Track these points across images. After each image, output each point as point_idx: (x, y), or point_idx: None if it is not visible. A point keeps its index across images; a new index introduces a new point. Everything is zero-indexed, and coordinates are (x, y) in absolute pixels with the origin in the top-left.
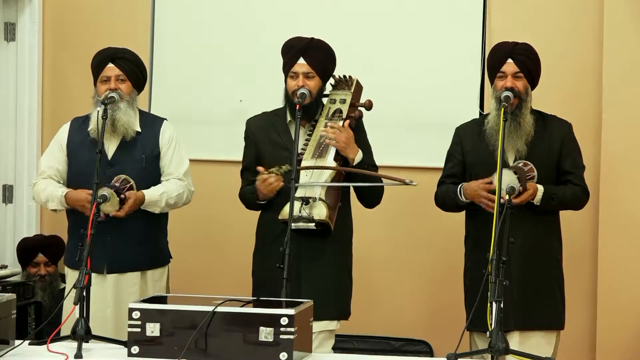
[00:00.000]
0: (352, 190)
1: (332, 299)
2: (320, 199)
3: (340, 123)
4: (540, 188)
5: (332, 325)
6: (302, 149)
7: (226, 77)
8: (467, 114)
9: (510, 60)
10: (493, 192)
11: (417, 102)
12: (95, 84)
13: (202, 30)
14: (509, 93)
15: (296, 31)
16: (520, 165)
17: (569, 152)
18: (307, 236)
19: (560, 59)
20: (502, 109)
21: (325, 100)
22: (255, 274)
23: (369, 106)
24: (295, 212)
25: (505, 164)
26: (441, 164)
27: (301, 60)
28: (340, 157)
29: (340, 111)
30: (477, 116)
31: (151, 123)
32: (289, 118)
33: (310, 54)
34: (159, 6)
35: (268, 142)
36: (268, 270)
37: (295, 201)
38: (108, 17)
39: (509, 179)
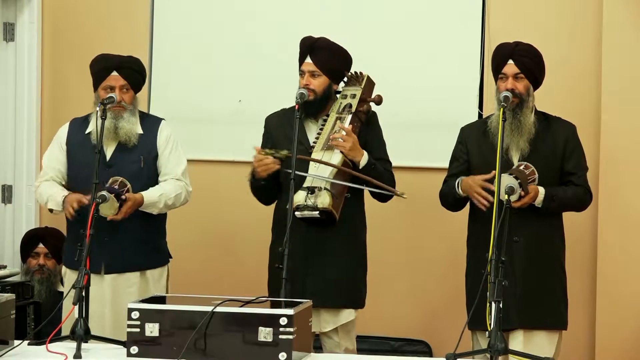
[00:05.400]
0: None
1: (342, 287)
2: (325, 189)
3: (349, 117)
4: (542, 190)
5: (350, 315)
6: (313, 142)
7: (226, 77)
8: (467, 114)
9: (510, 62)
10: (490, 191)
11: (416, 103)
12: (95, 88)
13: (202, 30)
14: (508, 93)
15: (296, 32)
16: (521, 168)
17: (572, 153)
18: (316, 226)
19: (559, 61)
20: (501, 110)
21: (339, 96)
22: (271, 267)
23: (378, 101)
24: (302, 201)
25: (508, 163)
26: (440, 164)
27: (308, 59)
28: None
29: (350, 105)
30: (477, 116)
31: (149, 124)
32: (303, 115)
33: (315, 53)
34: (158, 6)
35: (284, 138)
36: (281, 260)
37: (302, 191)
38: (107, 17)
39: (508, 182)
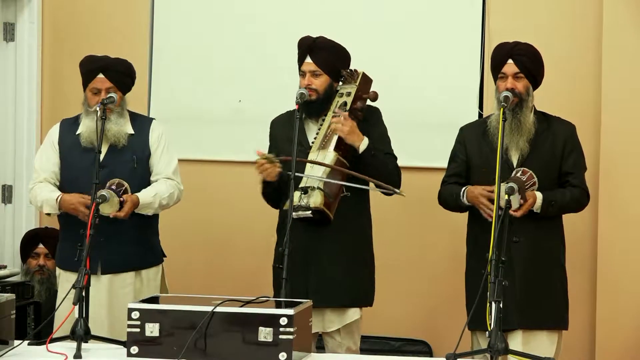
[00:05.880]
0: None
1: (346, 285)
2: (318, 188)
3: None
4: (540, 195)
5: (354, 315)
6: (312, 142)
7: (226, 77)
8: (467, 114)
9: (510, 61)
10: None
11: (417, 103)
12: (84, 89)
13: (202, 30)
14: (508, 93)
15: (296, 32)
16: (519, 174)
17: (570, 152)
18: (313, 225)
19: (559, 60)
20: (501, 110)
21: (336, 94)
22: (275, 268)
23: (373, 98)
24: (296, 201)
25: (507, 163)
26: (440, 164)
27: (308, 59)
28: (342, 147)
29: (345, 103)
30: (477, 116)
31: (140, 124)
32: (303, 115)
33: (315, 53)
34: (158, 6)
35: (285, 139)
36: (282, 260)
37: (297, 191)
38: (107, 17)
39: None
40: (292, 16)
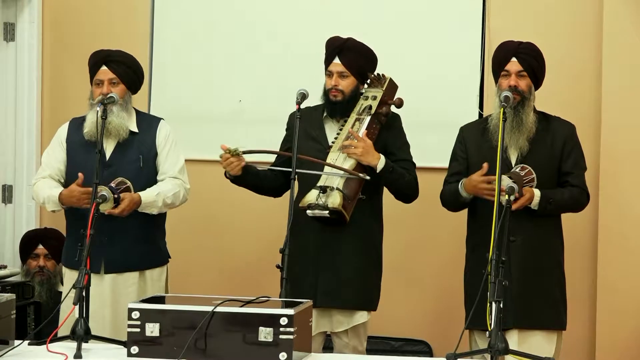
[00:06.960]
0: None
1: (354, 287)
2: (337, 189)
3: (367, 119)
4: (537, 192)
5: (362, 317)
6: (332, 142)
7: (226, 77)
8: (467, 114)
9: (514, 59)
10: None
11: (417, 103)
12: (91, 84)
13: (202, 30)
14: (508, 93)
15: (296, 32)
16: (517, 170)
17: (570, 153)
18: (328, 226)
19: (559, 60)
20: (502, 110)
21: (361, 97)
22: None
23: (398, 104)
24: (314, 199)
25: (506, 162)
26: (440, 164)
27: (336, 60)
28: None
29: (370, 107)
30: (477, 116)
31: (148, 123)
32: (324, 114)
33: (345, 54)
34: (158, 6)
35: (302, 134)
36: (292, 259)
37: (315, 189)
38: (107, 17)
39: (505, 183)
40: (292, 16)
